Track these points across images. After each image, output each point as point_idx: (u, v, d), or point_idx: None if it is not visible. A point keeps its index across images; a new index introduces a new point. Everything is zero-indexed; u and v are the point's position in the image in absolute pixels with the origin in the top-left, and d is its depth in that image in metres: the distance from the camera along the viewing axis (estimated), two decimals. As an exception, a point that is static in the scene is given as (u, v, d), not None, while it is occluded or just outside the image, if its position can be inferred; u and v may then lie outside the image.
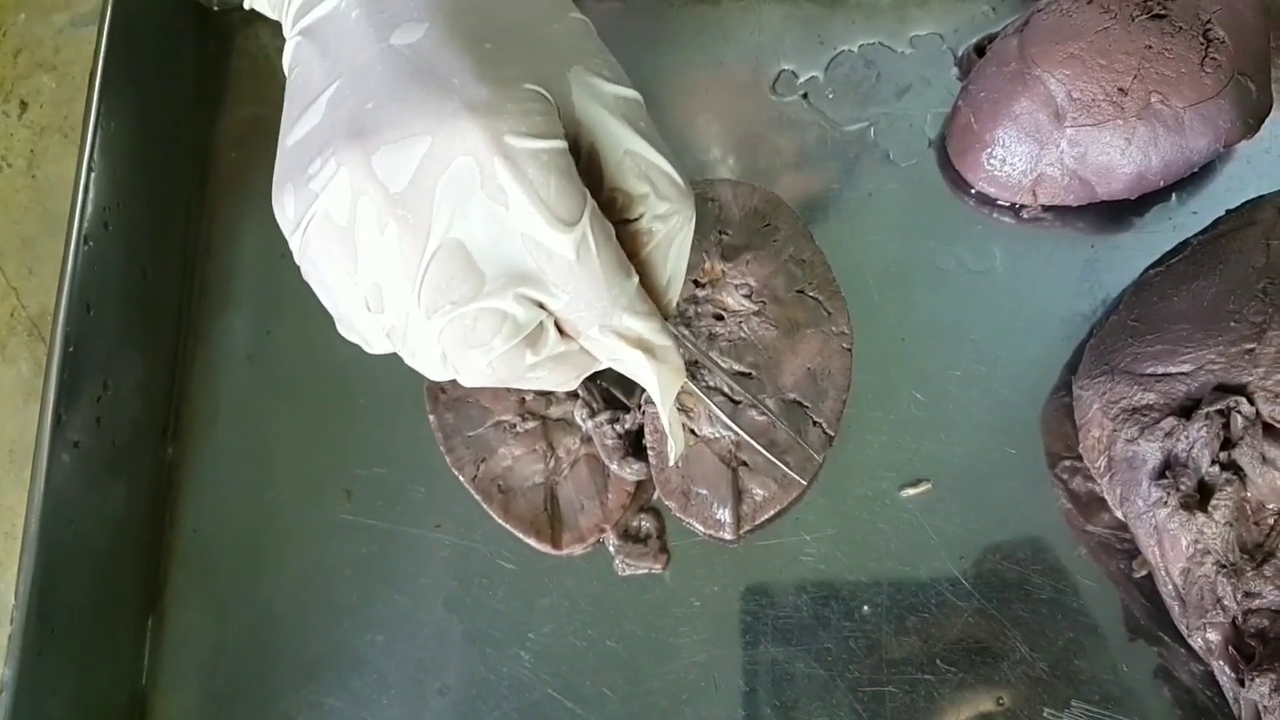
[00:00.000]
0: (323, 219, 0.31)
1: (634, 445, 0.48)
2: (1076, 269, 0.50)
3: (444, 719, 0.46)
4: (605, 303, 0.32)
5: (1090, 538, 0.47)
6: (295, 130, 0.32)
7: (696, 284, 0.48)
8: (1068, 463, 0.48)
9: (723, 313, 0.48)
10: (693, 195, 0.34)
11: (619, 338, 0.33)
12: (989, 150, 0.49)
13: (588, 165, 0.32)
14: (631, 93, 0.33)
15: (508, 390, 0.48)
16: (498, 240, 0.30)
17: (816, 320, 0.47)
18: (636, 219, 0.33)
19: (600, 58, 0.33)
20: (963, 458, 0.48)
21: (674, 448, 0.39)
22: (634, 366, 0.35)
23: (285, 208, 0.32)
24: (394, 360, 0.50)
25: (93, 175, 0.47)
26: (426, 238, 0.30)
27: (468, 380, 0.34)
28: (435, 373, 0.33)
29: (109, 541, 0.47)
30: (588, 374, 0.36)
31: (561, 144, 0.30)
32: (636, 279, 0.32)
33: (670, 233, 0.34)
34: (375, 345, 0.34)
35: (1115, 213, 0.51)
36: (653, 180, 0.33)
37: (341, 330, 0.35)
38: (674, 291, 0.35)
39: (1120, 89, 0.46)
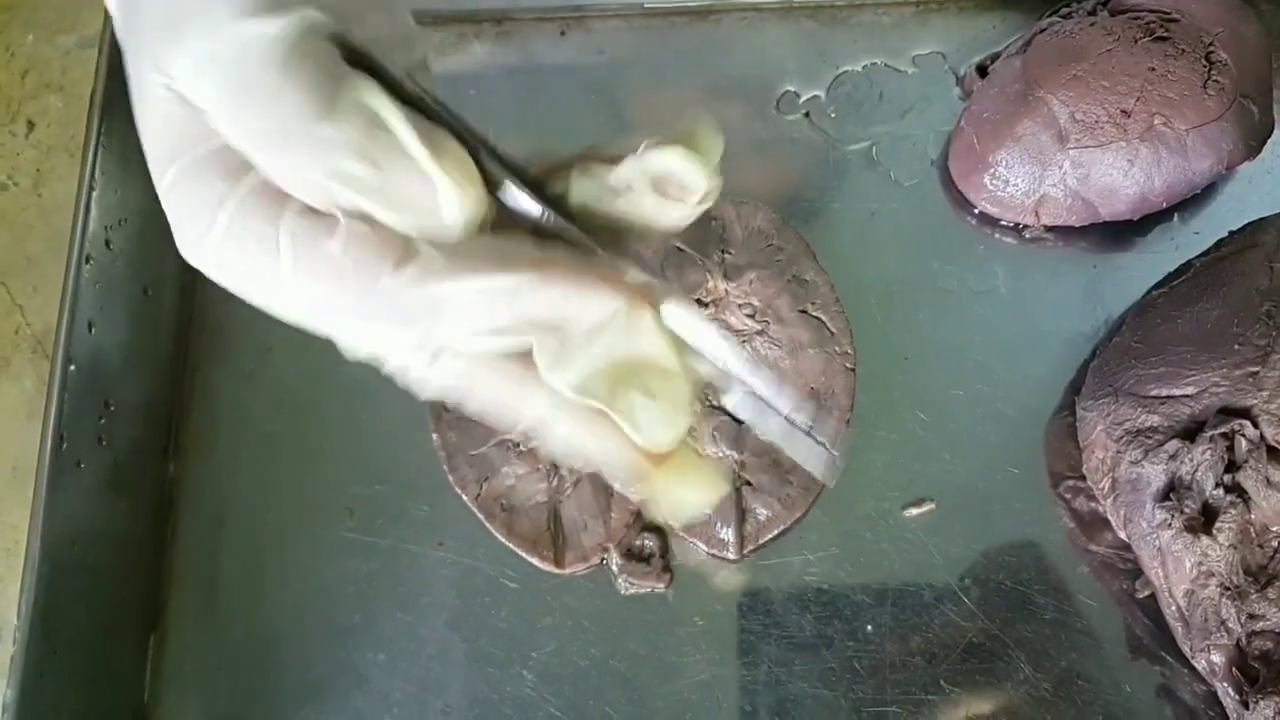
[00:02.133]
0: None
1: None
2: (1079, 289, 0.51)
3: (447, 738, 0.45)
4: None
5: (1093, 557, 0.47)
6: None
7: (700, 303, 0.48)
8: (1071, 482, 0.48)
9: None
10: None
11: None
12: (992, 171, 0.50)
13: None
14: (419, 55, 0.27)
15: (511, 409, 0.48)
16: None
17: (820, 340, 0.48)
18: None
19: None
20: (966, 477, 0.48)
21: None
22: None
23: None
24: (395, 379, 0.50)
25: (94, 194, 0.47)
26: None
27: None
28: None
29: (111, 560, 0.46)
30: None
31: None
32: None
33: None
34: None
35: (1117, 233, 0.51)
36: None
37: None
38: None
39: (1123, 110, 0.46)
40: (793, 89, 0.54)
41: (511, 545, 0.46)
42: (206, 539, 0.49)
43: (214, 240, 0.24)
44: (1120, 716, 0.44)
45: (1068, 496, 0.48)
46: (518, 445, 0.48)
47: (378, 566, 0.48)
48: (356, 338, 0.26)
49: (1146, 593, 0.45)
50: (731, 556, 0.46)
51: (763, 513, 0.46)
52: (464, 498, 0.47)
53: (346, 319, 0.25)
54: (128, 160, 0.50)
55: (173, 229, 0.25)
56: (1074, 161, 0.48)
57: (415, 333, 0.25)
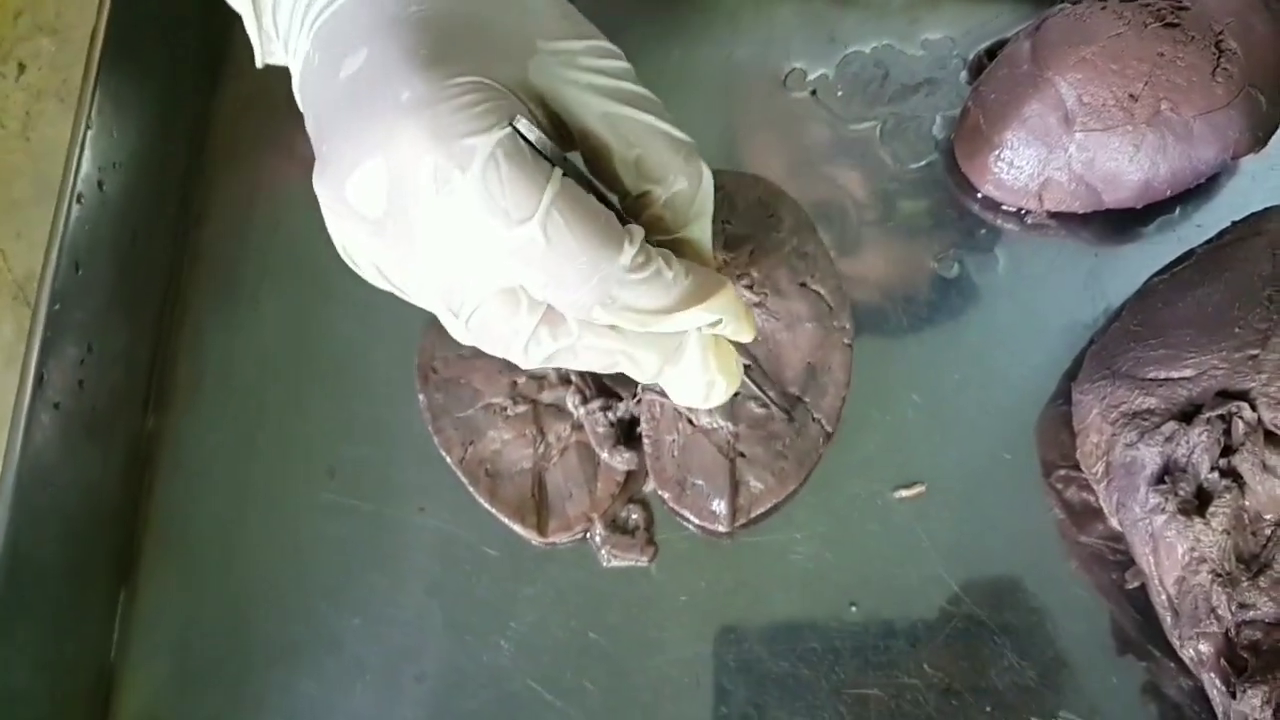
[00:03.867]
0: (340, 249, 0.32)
1: (625, 434, 0.47)
2: (1079, 277, 0.50)
3: (420, 706, 0.45)
4: (593, 282, 0.29)
5: (1083, 549, 0.47)
6: None
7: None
8: (1063, 472, 0.48)
9: (722, 303, 0.47)
10: (699, 154, 0.33)
11: (626, 313, 0.31)
12: (997, 152, 0.49)
13: (567, 135, 0.31)
14: (608, 59, 0.32)
15: (499, 371, 0.47)
16: (471, 237, 0.29)
17: (818, 314, 0.47)
18: (643, 193, 0.32)
19: (568, 24, 0.32)
20: (958, 462, 0.47)
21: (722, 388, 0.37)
22: (648, 354, 0.33)
23: None
24: (385, 337, 0.50)
25: (89, 134, 0.46)
26: (413, 252, 0.29)
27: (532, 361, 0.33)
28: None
29: (85, 508, 0.46)
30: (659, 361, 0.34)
31: (500, 133, 0.28)
32: (633, 248, 0.30)
33: (679, 194, 0.32)
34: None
35: (1120, 223, 0.50)
36: (641, 140, 0.31)
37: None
38: (705, 257, 0.34)
39: (1131, 95, 0.46)
40: (800, 66, 0.54)
41: (494, 511, 0.46)
42: (184, 494, 0.48)
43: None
44: (1105, 708, 0.44)
45: (1059, 486, 0.48)
46: (505, 410, 0.47)
47: (357, 529, 0.47)
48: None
49: (1136, 583, 0.45)
50: (723, 529, 0.45)
51: (756, 485, 0.45)
52: (448, 460, 0.46)
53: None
54: (123, 104, 0.49)
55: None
56: (1080, 145, 0.47)
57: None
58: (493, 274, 0.30)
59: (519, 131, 0.28)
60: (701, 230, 0.34)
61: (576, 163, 0.32)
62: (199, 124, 0.54)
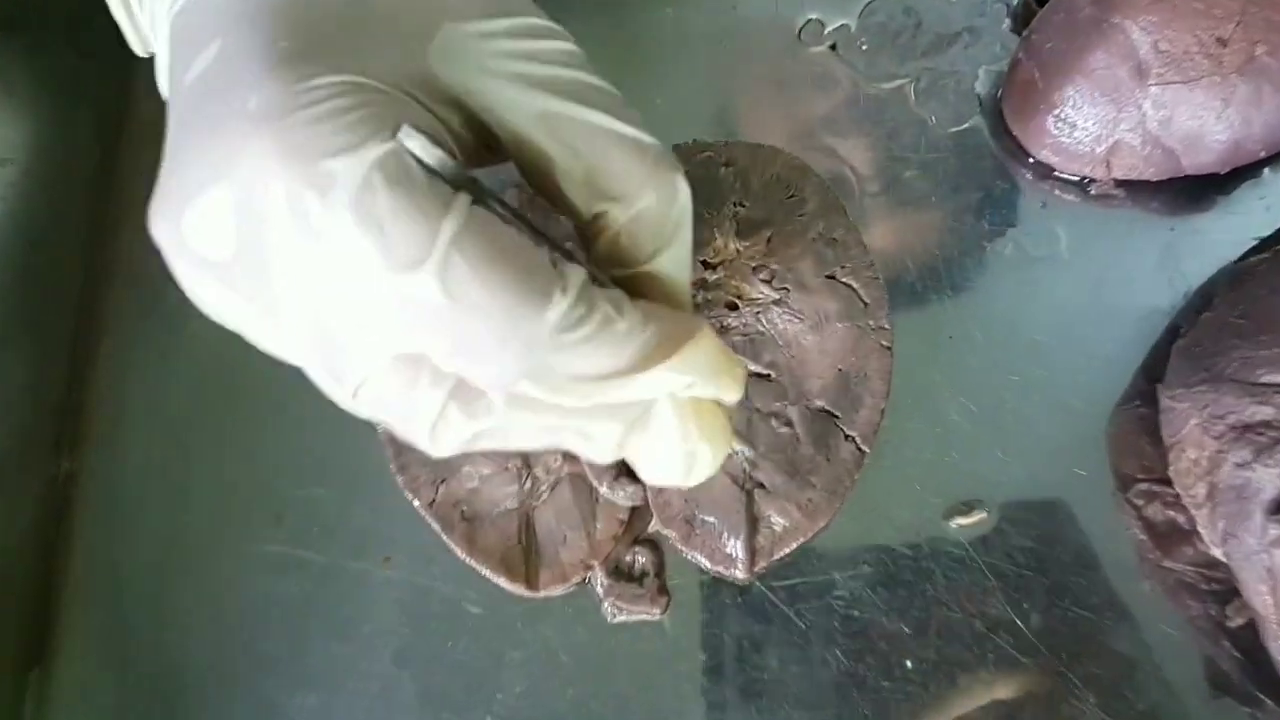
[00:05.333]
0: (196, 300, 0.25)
1: (627, 464, 0.40)
2: (1153, 255, 0.43)
3: (391, 798, 0.38)
4: (514, 347, 0.22)
5: (1169, 575, 0.40)
6: None
7: (706, 265, 0.41)
8: (1144, 486, 0.41)
9: (737, 301, 0.40)
10: (670, 162, 0.25)
11: (567, 385, 0.24)
12: (1056, 112, 0.42)
13: (496, 146, 0.25)
14: (545, 40, 0.25)
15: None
16: (345, 289, 0.22)
17: (850, 312, 0.40)
18: (597, 214, 0.25)
19: (493, 4, 0.25)
20: (1023, 480, 0.41)
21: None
22: (604, 437, 0.26)
23: None
24: None
25: (-35, 124, 0.39)
26: (274, 307, 0.23)
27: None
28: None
29: (-15, 576, 0.40)
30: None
31: (378, 150, 0.21)
32: (566, 298, 0.23)
33: (643, 215, 0.25)
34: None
35: (1198, 190, 0.44)
36: (591, 146, 0.24)
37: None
38: (678, 296, 0.27)
39: (1219, 39, 0.39)
40: (817, 17, 0.47)
41: (473, 563, 0.39)
42: (106, 550, 0.43)
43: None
44: (1210, 770, 0.37)
45: (1139, 503, 0.41)
46: (481, 440, 0.39)
47: (311, 586, 0.41)
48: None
49: (1241, 620, 0.39)
50: (740, 575, 0.39)
51: (779, 521, 0.39)
52: (416, 504, 0.40)
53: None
54: (13, 87, 0.42)
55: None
56: (1155, 101, 0.40)
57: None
58: (380, 336, 0.23)
59: (407, 148, 0.21)
60: (674, 261, 0.26)
61: (514, 186, 0.24)
62: (111, 112, 0.47)
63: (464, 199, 0.22)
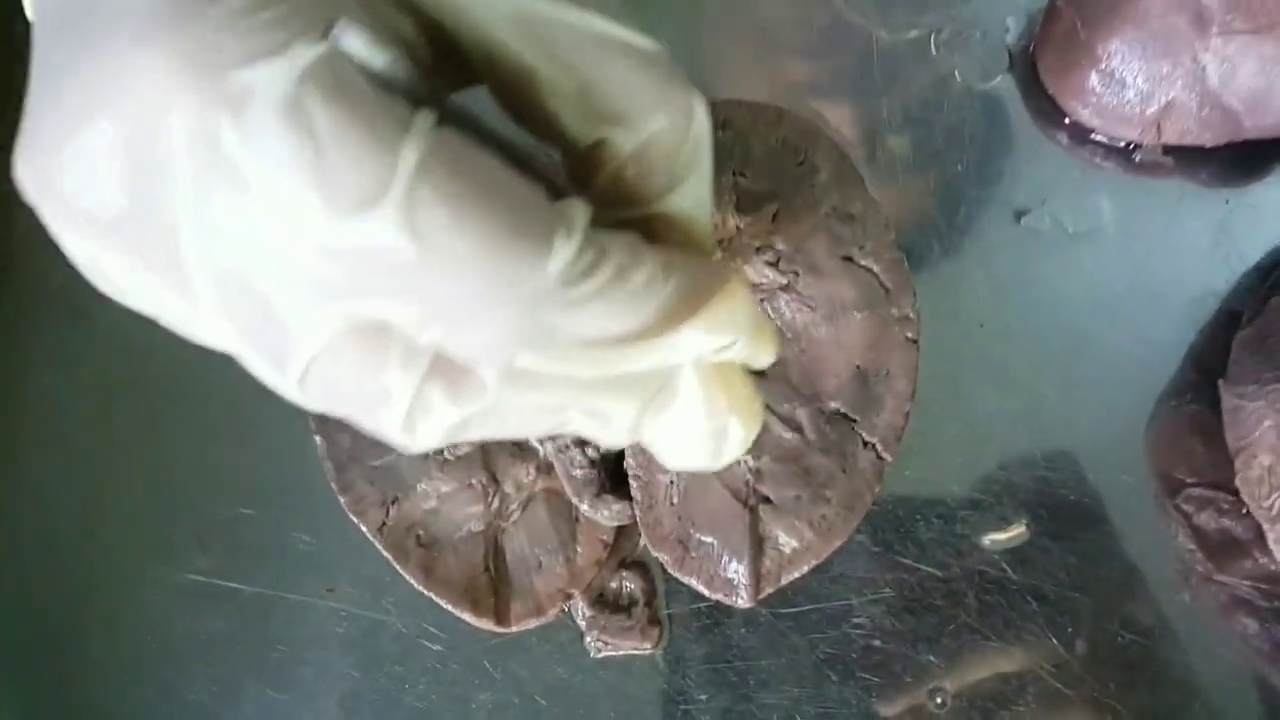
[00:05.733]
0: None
1: (612, 476, 0.35)
2: (1208, 232, 0.39)
3: None
4: (508, 309, 0.18)
5: (1222, 590, 0.37)
6: None
7: (703, 247, 0.35)
8: (1196, 491, 0.38)
9: (739, 288, 0.35)
10: (682, 77, 0.20)
11: (574, 352, 0.19)
12: (1100, 67, 0.38)
13: (463, 63, 0.20)
14: None
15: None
16: (275, 241, 0.17)
17: (870, 299, 0.35)
18: (596, 142, 0.20)
19: None
20: (1066, 490, 0.37)
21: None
22: (619, 405, 0.21)
23: None
24: None
25: None
26: (187, 280, 0.18)
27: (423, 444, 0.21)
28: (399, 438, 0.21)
29: None
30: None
31: (308, 53, 0.17)
32: (572, 242, 0.18)
33: (653, 141, 0.20)
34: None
35: (1256, 157, 0.40)
36: (584, 58, 0.19)
37: None
38: (699, 239, 0.22)
39: (1294, -22, 0.34)
40: None
41: (433, 596, 0.34)
42: (6, 584, 0.38)
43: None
44: (1279, 814, 0.34)
45: (1188, 509, 0.38)
46: (441, 453, 0.34)
47: (242, 622, 0.36)
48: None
49: None
50: (744, 602, 0.34)
51: (788, 542, 0.34)
52: (363, 529, 0.34)
53: None
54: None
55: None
56: (1217, 54, 0.36)
57: None
58: (328, 303, 0.17)
59: (345, 50, 0.17)
60: (691, 198, 0.21)
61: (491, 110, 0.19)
62: (6, 77, 0.41)
63: (427, 116, 0.17)
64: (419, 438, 0.19)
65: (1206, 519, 0.37)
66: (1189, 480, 0.37)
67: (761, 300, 0.35)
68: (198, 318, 0.19)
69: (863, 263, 0.35)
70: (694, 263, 0.20)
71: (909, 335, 0.35)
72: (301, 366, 0.18)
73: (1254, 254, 0.39)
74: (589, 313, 0.18)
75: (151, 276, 0.18)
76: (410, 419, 0.19)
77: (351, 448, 0.34)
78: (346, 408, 0.19)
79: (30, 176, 0.18)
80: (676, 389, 0.22)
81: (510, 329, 0.18)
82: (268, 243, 0.17)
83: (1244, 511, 0.36)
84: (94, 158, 0.17)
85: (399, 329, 0.18)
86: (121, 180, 0.17)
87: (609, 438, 0.22)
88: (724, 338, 0.21)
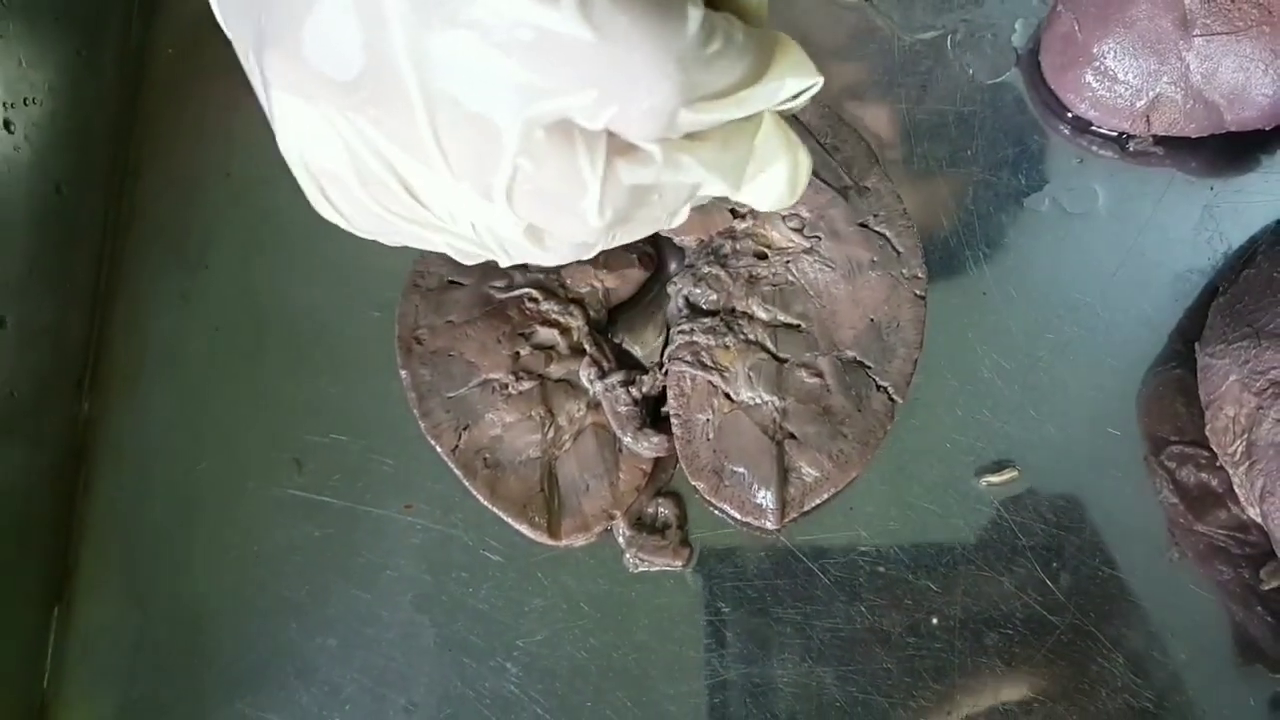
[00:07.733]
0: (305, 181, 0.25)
1: (652, 413, 0.39)
2: (1193, 215, 0.42)
3: (410, 743, 0.37)
4: (668, 70, 0.22)
5: (1200, 539, 0.40)
6: None
7: (734, 213, 0.40)
8: (1176, 448, 0.40)
9: (766, 250, 0.39)
10: None
11: (710, 105, 0.23)
12: (1095, 64, 0.41)
13: None
14: None
15: (498, 343, 0.39)
16: (482, 63, 0.21)
17: (883, 261, 0.39)
18: None
19: None
20: (1056, 439, 0.40)
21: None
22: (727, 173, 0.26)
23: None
24: (359, 302, 0.42)
25: (-11, 60, 0.38)
26: (410, 120, 0.22)
27: (568, 241, 0.26)
28: (535, 255, 0.26)
29: (7, 516, 0.39)
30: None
31: None
32: (698, 10, 0.22)
33: None
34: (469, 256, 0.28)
35: (1240, 148, 0.43)
36: None
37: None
38: (754, 8, 0.26)
39: (1269, -14, 0.38)
40: None
41: (496, 510, 0.38)
42: (125, 493, 0.42)
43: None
44: (1239, 735, 0.36)
45: (1171, 465, 0.40)
46: (506, 387, 0.39)
47: (331, 532, 0.40)
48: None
49: (1274, 584, 0.38)
50: (770, 525, 0.38)
51: (809, 472, 0.38)
52: (439, 450, 0.39)
53: None
54: (36, 25, 0.41)
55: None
56: (1200, 53, 0.39)
57: None
58: (529, 106, 0.22)
59: None
60: None
61: None
62: (133, 56, 0.46)
63: None
64: (603, 216, 0.24)
65: (1187, 474, 0.40)
66: (1171, 438, 0.40)
67: (787, 261, 0.39)
68: (410, 153, 0.23)
69: (877, 229, 0.39)
70: (752, 30, 0.25)
71: (918, 293, 0.39)
72: (507, 181, 0.23)
73: (1235, 236, 0.42)
74: (718, 67, 0.23)
75: (374, 130, 0.22)
76: (603, 201, 0.24)
77: (431, 380, 0.39)
78: (550, 208, 0.24)
79: (277, 62, 0.22)
80: (761, 135, 0.27)
81: (671, 89, 0.22)
82: (473, 61, 0.21)
83: (1219, 465, 0.39)
84: (331, 25, 0.21)
85: (580, 121, 0.22)
86: (355, 39, 0.21)
87: (730, 191, 0.27)
88: (804, 78, 0.25)
